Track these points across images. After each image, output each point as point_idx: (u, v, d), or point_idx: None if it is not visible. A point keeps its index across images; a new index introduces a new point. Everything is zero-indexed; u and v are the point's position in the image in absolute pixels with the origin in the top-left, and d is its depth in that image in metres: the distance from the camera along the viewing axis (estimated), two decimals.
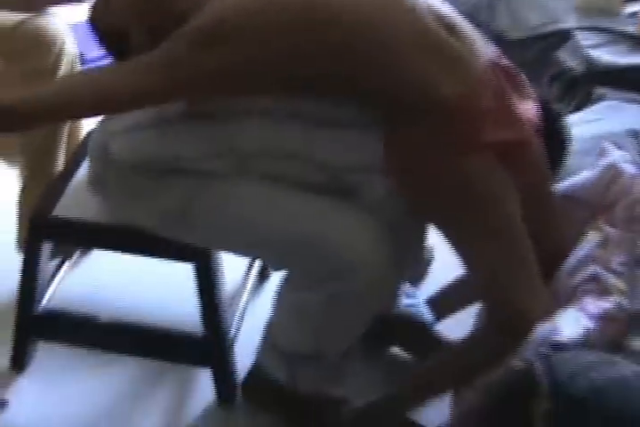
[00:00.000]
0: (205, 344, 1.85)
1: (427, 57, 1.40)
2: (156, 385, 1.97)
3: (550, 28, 2.54)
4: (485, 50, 1.48)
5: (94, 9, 1.56)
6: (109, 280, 2.22)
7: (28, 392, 1.93)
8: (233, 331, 1.90)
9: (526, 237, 1.49)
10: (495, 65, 1.47)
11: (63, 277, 2.08)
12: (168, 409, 1.91)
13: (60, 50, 1.93)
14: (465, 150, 1.40)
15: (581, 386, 1.17)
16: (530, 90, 1.54)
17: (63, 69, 1.94)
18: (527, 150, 1.50)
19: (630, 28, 2.46)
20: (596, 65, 2.30)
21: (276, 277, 1.76)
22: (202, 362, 1.90)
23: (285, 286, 1.63)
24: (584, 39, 2.42)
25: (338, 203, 1.53)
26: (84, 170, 1.86)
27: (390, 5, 1.42)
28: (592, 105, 2.20)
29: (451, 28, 1.44)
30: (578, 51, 2.39)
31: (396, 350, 2.03)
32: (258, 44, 1.36)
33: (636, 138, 1.99)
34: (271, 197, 1.54)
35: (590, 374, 1.19)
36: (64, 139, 2.07)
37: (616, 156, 1.74)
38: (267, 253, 1.63)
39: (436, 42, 1.41)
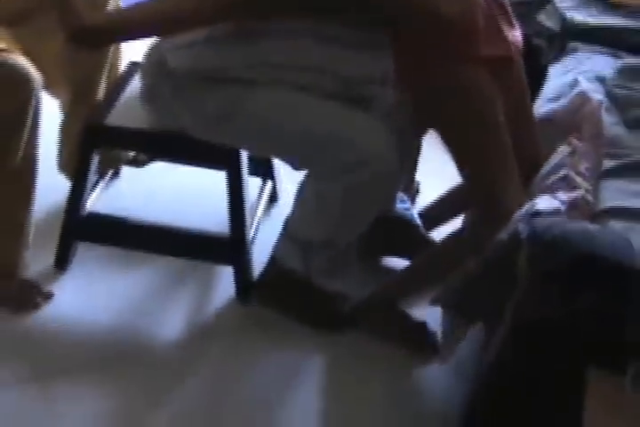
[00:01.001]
0: (230, 243, 2.13)
1: None
2: (182, 282, 2.25)
3: None
4: None
5: None
6: (143, 194, 2.51)
7: (70, 287, 2.20)
8: (251, 235, 2.19)
9: (510, 145, 1.81)
10: None
11: (102, 190, 2.37)
12: (192, 304, 2.19)
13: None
14: (461, 60, 1.72)
15: (553, 232, 1.48)
16: (516, 21, 1.86)
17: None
18: (513, 67, 1.83)
19: None
20: (570, 24, 2.61)
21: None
22: (225, 260, 2.18)
23: (307, 180, 1.92)
24: (560, 2, 2.72)
25: (354, 110, 1.84)
26: (127, 91, 2.14)
27: None
28: (566, 56, 2.51)
29: None
30: (555, 12, 2.70)
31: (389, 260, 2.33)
32: None
33: (602, 82, 2.31)
34: (299, 103, 1.85)
35: (561, 226, 1.51)
36: (106, 69, 2.31)
37: (585, 86, 2.07)
38: (292, 151, 1.93)
39: None
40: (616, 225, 1.68)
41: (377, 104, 1.85)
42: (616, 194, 1.85)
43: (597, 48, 2.51)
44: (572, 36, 2.58)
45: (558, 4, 2.71)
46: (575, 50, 2.51)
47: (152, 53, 1.95)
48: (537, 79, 1.98)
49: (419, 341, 2.09)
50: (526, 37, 1.94)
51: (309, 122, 1.84)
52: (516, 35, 1.84)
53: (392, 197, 2.13)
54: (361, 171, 1.81)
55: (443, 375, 2.03)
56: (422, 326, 2.11)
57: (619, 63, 2.36)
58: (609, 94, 2.23)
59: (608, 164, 1.95)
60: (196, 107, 1.88)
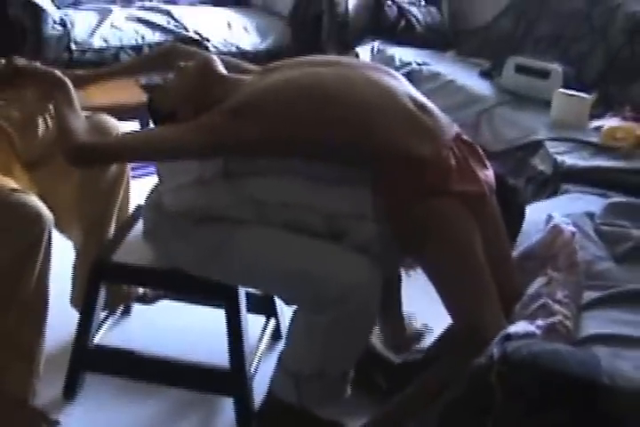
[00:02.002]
0: (230, 375, 2.21)
1: (406, 128, 1.88)
2: (186, 413, 2.31)
3: (525, 140, 3.03)
4: (450, 126, 1.97)
5: (155, 95, 2.06)
6: (150, 329, 2.62)
7: (76, 416, 2.26)
8: (252, 370, 2.26)
9: (489, 274, 1.90)
10: (458, 138, 1.96)
11: (112, 325, 2.48)
12: None
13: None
14: (437, 194, 1.84)
15: (522, 352, 1.56)
16: (486, 162, 2.00)
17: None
18: (487, 204, 1.95)
19: (593, 139, 2.94)
20: (561, 167, 2.76)
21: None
22: (227, 391, 2.25)
23: (296, 313, 2.02)
24: (552, 147, 2.88)
25: (334, 245, 1.96)
26: (134, 231, 2.29)
27: (375, 90, 1.91)
28: (557, 198, 2.64)
29: (422, 107, 1.93)
30: (548, 157, 2.86)
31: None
32: (269, 118, 1.84)
33: (592, 218, 2.42)
34: (280, 241, 1.97)
35: (531, 346, 1.58)
36: (115, 211, 2.47)
37: (558, 219, 2.19)
38: (276, 288, 2.05)
39: (412, 117, 1.90)
40: (600, 350, 1.73)
41: (354, 235, 1.95)
42: (601, 322, 1.93)
43: (588, 189, 2.64)
44: (564, 178, 2.72)
45: (551, 149, 2.87)
46: (567, 192, 2.65)
47: (151, 196, 2.12)
48: (515, 218, 2.11)
49: None
50: (501, 178, 2.08)
51: (293, 260, 1.94)
52: (487, 174, 1.98)
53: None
54: (347, 301, 1.89)
55: None
56: None
57: (606, 202, 2.48)
58: (597, 231, 2.35)
59: (592, 295, 2.04)
60: (189, 245, 2.01)
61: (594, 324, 1.92)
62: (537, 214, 2.37)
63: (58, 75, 2.09)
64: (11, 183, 2.06)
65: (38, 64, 2.18)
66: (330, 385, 2.05)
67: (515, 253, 2.17)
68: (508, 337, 1.67)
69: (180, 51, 2.35)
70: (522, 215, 2.16)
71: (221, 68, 2.06)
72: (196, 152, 1.88)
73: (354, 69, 1.99)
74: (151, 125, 2.18)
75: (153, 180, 2.22)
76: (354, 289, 1.89)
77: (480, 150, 2.01)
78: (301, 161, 1.93)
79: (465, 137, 1.99)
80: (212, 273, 2.06)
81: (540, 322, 1.82)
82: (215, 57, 2.10)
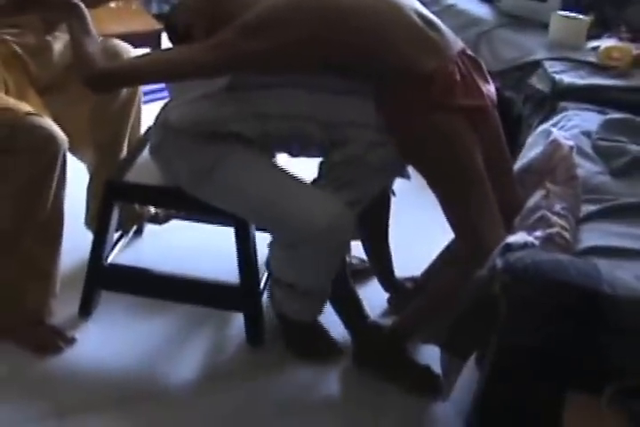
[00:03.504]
0: (241, 291, 2.29)
1: (414, 43, 1.92)
2: (198, 329, 2.41)
3: (524, 59, 3.05)
4: (455, 41, 2.01)
5: (170, 16, 2.09)
6: (162, 248, 2.70)
7: (92, 333, 2.36)
8: (262, 286, 2.35)
9: (489, 187, 1.96)
10: (463, 52, 2.00)
11: (125, 244, 2.56)
12: (207, 347, 2.35)
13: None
14: (441, 108, 1.90)
15: (525, 262, 1.63)
16: (488, 76, 2.05)
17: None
18: (489, 117, 2.00)
19: (591, 58, 2.97)
20: (560, 85, 2.80)
21: None
22: (238, 307, 2.34)
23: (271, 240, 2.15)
24: (551, 66, 2.92)
25: (315, 187, 2.07)
26: (146, 151, 2.34)
27: (384, 5, 1.94)
28: (556, 116, 2.68)
29: (429, 23, 1.97)
30: (546, 76, 2.89)
31: None
32: (283, 35, 1.86)
33: (589, 136, 2.47)
34: (269, 176, 2.06)
35: (533, 256, 1.65)
36: (127, 134, 2.53)
37: (557, 134, 2.24)
38: (257, 219, 2.17)
39: (419, 33, 1.94)
40: (601, 262, 1.79)
41: (353, 145, 2.02)
42: (599, 234, 1.99)
43: (585, 106, 2.69)
44: (562, 96, 2.77)
45: (549, 69, 2.91)
46: (565, 109, 2.69)
47: (159, 115, 2.16)
48: (510, 128, 2.15)
49: (425, 386, 2.20)
50: (498, 91, 2.13)
51: (269, 194, 2.04)
52: (490, 89, 2.03)
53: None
54: (312, 245, 2.02)
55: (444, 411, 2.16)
56: (427, 370, 2.23)
57: (603, 118, 2.54)
58: (594, 146, 2.41)
59: (589, 208, 2.11)
60: (188, 163, 2.08)
61: (592, 236, 1.98)
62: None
63: None
64: (25, 107, 2.10)
65: None
66: (305, 298, 2.17)
67: (514, 167, 2.23)
68: (509, 247, 1.73)
69: None
70: (517, 126, 2.21)
71: None
72: (210, 69, 1.90)
73: None
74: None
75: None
76: (325, 232, 1.98)
77: (483, 65, 2.05)
78: (307, 74, 1.97)
79: (469, 52, 2.03)
80: (202, 194, 2.11)
81: (538, 233, 1.88)
82: None
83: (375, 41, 1.90)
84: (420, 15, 1.97)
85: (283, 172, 2.08)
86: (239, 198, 2.08)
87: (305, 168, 2.20)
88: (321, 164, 2.13)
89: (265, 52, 1.87)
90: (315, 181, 2.12)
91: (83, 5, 2.01)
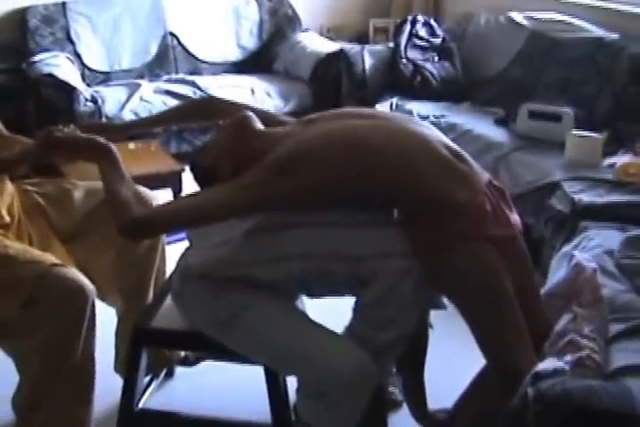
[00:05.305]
0: None
1: (444, 175, 1.96)
2: None
3: (542, 181, 3.11)
4: (482, 173, 2.05)
5: (195, 156, 2.13)
6: (194, 390, 2.70)
7: None
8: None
9: (520, 314, 1.97)
10: (490, 184, 2.04)
11: (156, 388, 2.56)
12: None
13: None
14: (473, 237, 1.93)
15: (556, 390, 1.62)
16: (512, 205, 2.09)
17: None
18: (517, 245, 2.03)
19: (608, 176, 3.02)
20: (579, 205, 2.83)
21: None
22: None
23: (299, 391, 2.07)
24: (569, 187, 2.97)
25: (340, 338, 2.01)
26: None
27: (413, 139, 1.99)
28: (577, 236, 2.70)
29: (457, 155, 2.01)
30: (565, 196, 2.93)
31: None
32: (319, 173, 1.90)
33: (611, 255, 2.48)
34: (293, 330, 2.01)
35: (564, 384, 1.64)
36: (153, 278, 2.54)
37: (579, 257, 2.25)
38: (282, 368, 2.13)
39: (449, 164, 1.98)
40: (631, 382, 1.79)
41: (381, 275, 1.98)
42: (628, 354, 1.98)
43: (606, 224, 2.70)
44: (582, 216, 2.80)
45: (567, 189, 2.95)
46: (586, 229, 2.71)
47: (179, 262, 2.18)
48: (531, 252, 2.18)
49: None
50: (520, 217, 2.16)
51: (293, 346, 1.98)
52: (515, 218, 2.07)
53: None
54: (334, 398, 1.94)
55: None
56: None
57: (624, 236, 2.55)
58: (617, 265, 2.41)
59: (617, 327, 2.10)
60: (208, 313, 2.07)
61: (622, 356, 1.97)
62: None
63: (101, 142, 2.00)
64: (50, 258, 2.13)
65: (78, 132, 2.11)
66: None
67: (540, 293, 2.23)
68: (538, 376, 1.72)
69: (216, 103, 2.42)
70: (536, 249, 2.23)
71: (258, 124, 2.09)
72: (244, 211, 1.92)
73: (389, 121, 2.08)
74: (183, 193, 2.23)
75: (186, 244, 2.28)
76: (348, 386, 1.92)
77: (507, 194, 2.10)
78: (335, 209, 1.99)
79: (495, 182, 2.08)
80: (225, 342, 2.09)
81: (568, 357, 1.86)
82: (251, 113, 2.12)
83: (407, 177, 1.94)
84: (449, 148, 2.02)
85: (305, 320, 2.05)
86: (262, 350, 2.05)
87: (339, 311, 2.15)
88: (354, 308, 2.07)
89: (300, 191, 1.90)
90: (350, 325, 2.06)
91: (115, 148, 1.99)
